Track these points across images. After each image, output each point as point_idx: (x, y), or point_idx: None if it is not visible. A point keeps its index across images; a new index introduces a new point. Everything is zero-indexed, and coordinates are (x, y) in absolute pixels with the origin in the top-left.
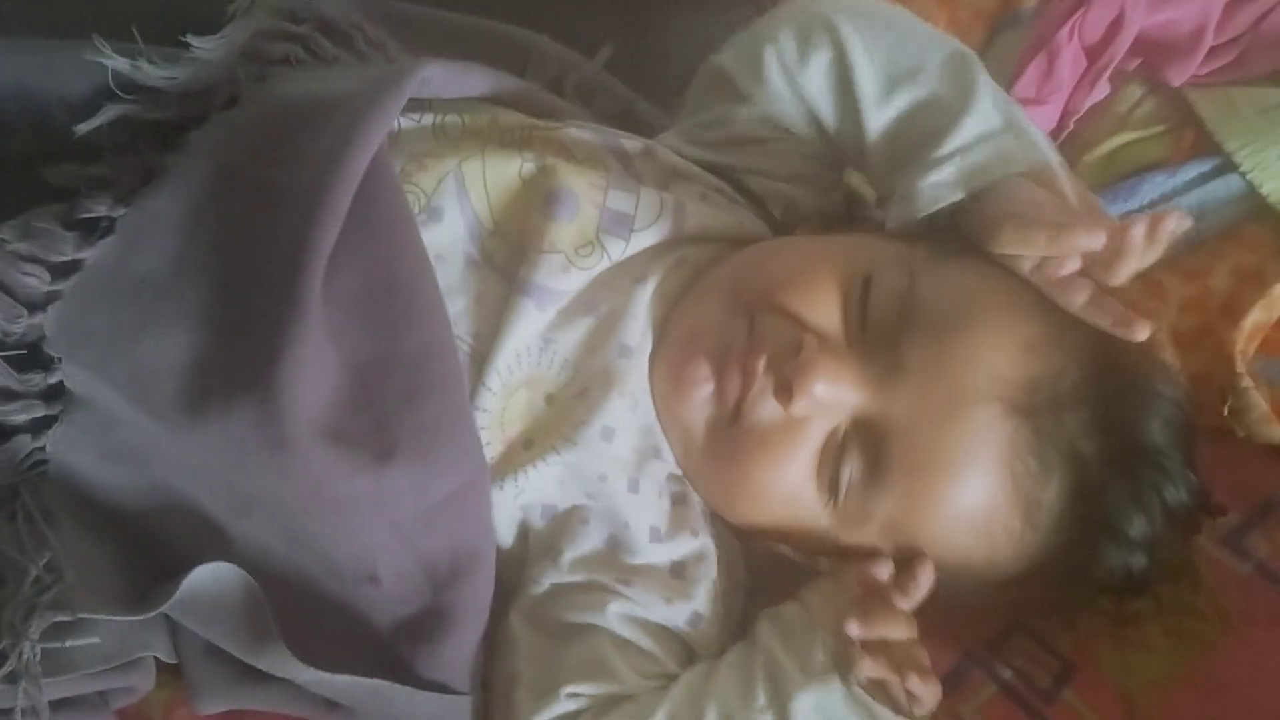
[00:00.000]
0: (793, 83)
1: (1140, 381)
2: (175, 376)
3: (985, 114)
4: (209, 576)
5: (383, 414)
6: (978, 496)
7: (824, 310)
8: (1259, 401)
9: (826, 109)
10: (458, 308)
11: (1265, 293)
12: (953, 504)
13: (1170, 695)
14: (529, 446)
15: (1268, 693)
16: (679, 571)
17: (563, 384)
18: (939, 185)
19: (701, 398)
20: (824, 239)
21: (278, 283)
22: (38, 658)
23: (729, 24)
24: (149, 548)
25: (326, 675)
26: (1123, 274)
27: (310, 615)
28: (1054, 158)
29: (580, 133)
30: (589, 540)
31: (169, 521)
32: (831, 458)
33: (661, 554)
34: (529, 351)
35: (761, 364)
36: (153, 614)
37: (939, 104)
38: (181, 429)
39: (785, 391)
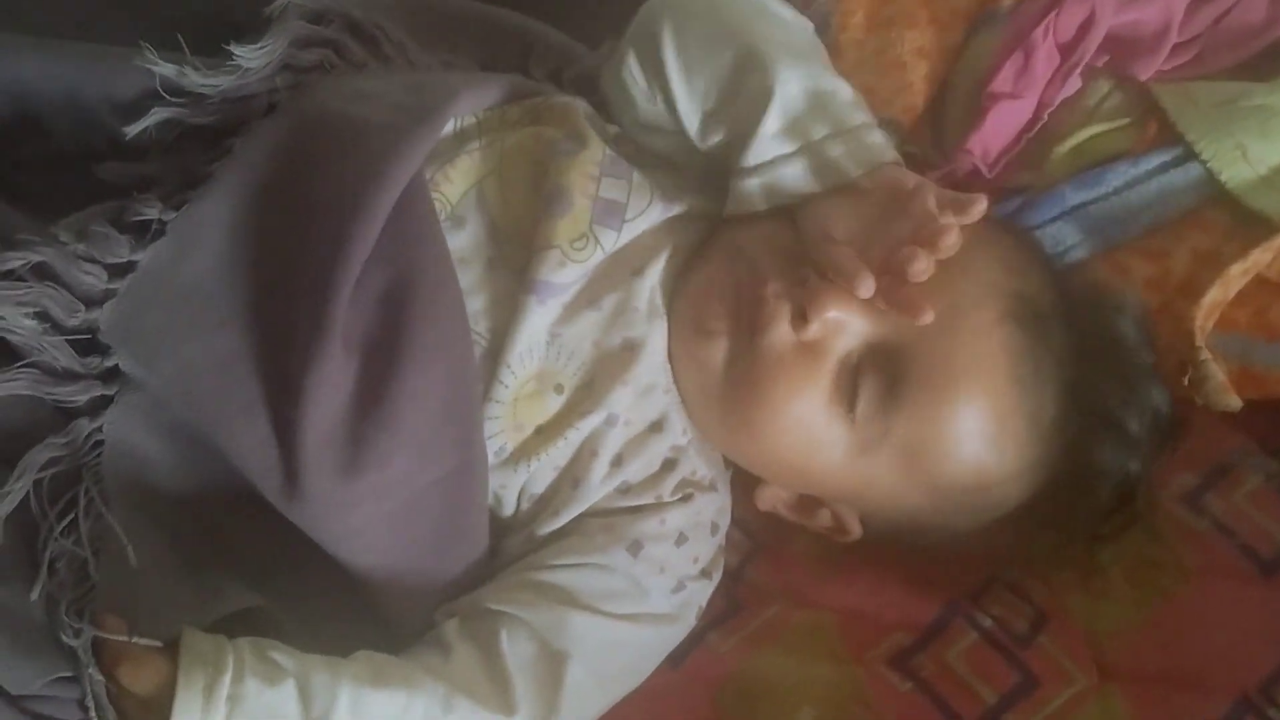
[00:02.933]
0: (653, 102)
1: (1104, 299)
2: (216, 377)
3: (773, 139)
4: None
5: (393, 411)
6: (986, 403)
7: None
8: (1216, 372)
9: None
10: (476, 307)
11: (1222, 272)
12: (964, 412)
13: (1134, 640)
14: (540, 433)
15: (1221, 637)
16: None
17: (570, 375)
18: (747, 194)
19: (719, 334)
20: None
21: (311, 297)
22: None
23: None
24: (199, 529)
25: None
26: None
27: (314, 609)
28: (850, 169)
29: (580, 104)
30: (570, 511)
31: (212, 504)
32: (848, 378)
33: (623, 502)
34: (538, 346)
35: (771, 289)
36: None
37: (741, 121)
38: (213, 430)
39: (800, 316)
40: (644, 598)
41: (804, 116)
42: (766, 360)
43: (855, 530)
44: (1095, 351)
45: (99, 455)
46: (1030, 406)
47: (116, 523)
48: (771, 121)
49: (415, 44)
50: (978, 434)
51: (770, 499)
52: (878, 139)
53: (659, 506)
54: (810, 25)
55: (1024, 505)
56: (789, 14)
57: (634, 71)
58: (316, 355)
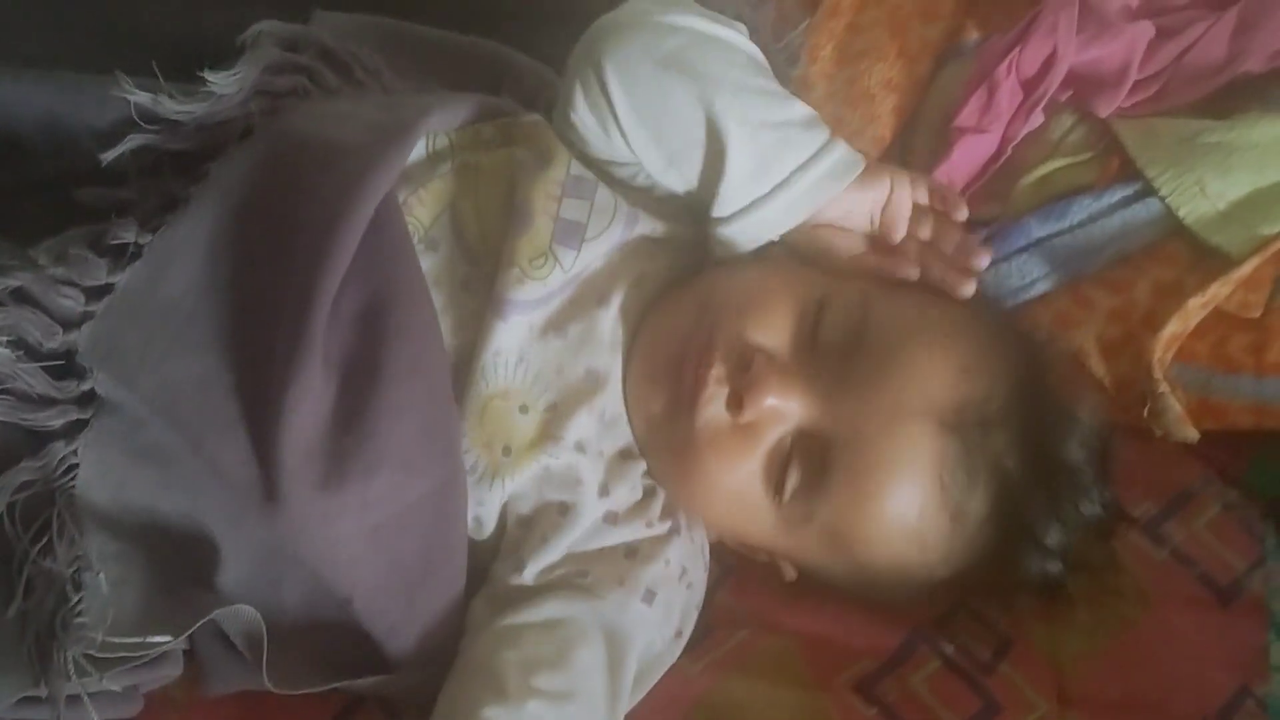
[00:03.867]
0: (608, 141)
1: (1059, 405)
2: (196, 395)
3: (742, 185)
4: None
5: (374, 426)
6: (911, 503)
7: (778, 330)
8: (1174, 405)
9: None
10: (448, 325)
11: (1181, 306)
12: (888, 508)
13: (1096, 667)
14: (508, 453)
15: (1181, 664)
16: (631, 553)
17: (536, 397)
18: (728, 242)
19: (663, 392)
20: (788, 263)
21: (290, 313)
22: (72, 665)
23: None
24: (175, 547)
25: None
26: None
27: (291, 634)
28: (829, 190)
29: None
30: (559, 540)
31: (185, 524)
32: (778, 463)
33: (615, 536)
34: (505, 365)
35: (713, 374)
36: (171, 643)
37: (706, 170)
38: (194, 445)
39: (736, 402)
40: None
41: (769, 154)
42: (701, 436)
43: (790, 574)
44: (1032, 463)
45: (73, 478)
46: (955, 508)
47: (91, 544)
48: (736, 167)
49: (389, 71)
50: (899, 530)
51: (714, 532)
52: (842, 152)
53: (655, 543)
54: (746, 37)
55: (954, 577)
56: (726, 33)
57: (583, 115)
58: (296, 370)
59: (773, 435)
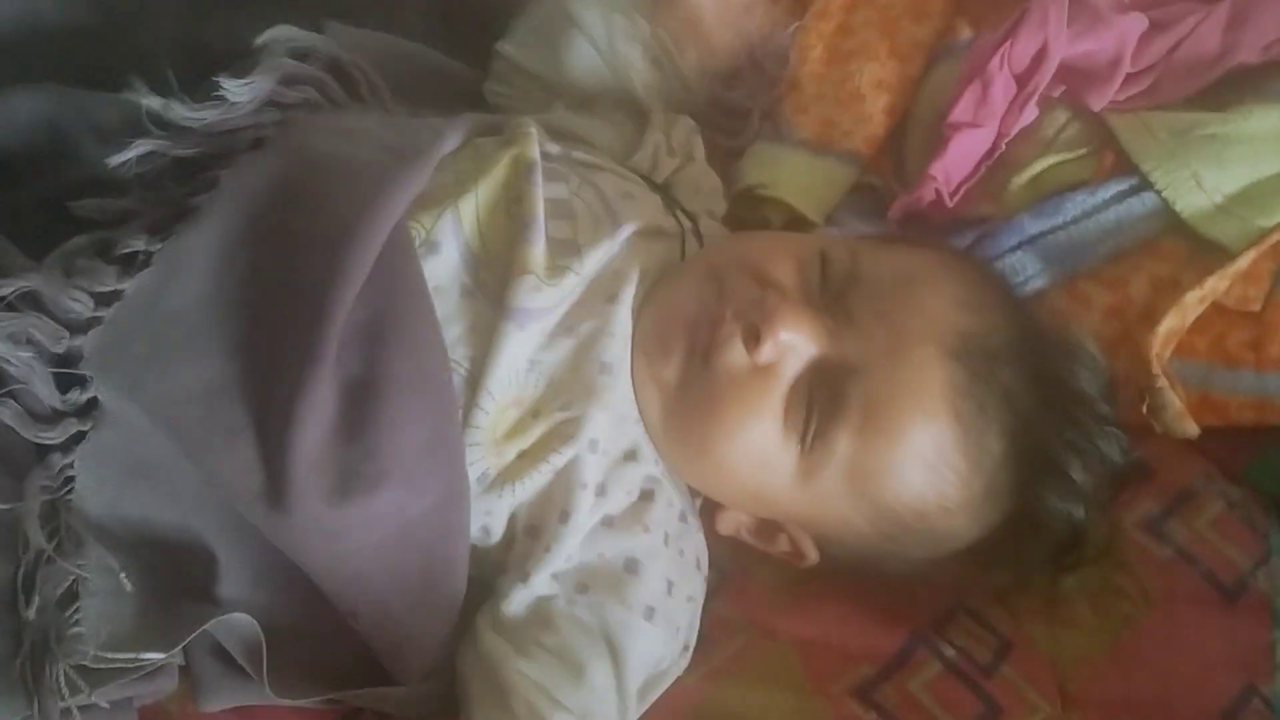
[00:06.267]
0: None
1: (1062, 339)
2: (201, 405)
3: None
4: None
5: (376, 441)
6: (926, 432)
7: (784, 273)
8: (1173, 400)
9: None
10: (454, 335)
11: (1178, 301)
12: (903, 438)
13: (1099, 668)
14: (521, 458)
15: (1185, 664)
16: (631, 567)
17: (549, 401)
18: None
19: (676, 354)
20: (782, 232)
21: (304, 325)
22: (64, 680)
23: None
24: (171, 560)
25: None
26: None
27: (290, 645)
28: None
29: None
30: (563, 546)
31: (184, 538)
32: (796, 401)
33: (613, 544)
34: (517, 373)
35: (729, 313)
36: (166, 656)
37: None
38: (197, 456)
39: (753, 338)
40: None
41: None
42: (720, 382)
43: (812, 555)
44: (1046, 396)
45: (70, 489)
46: (971, 444)
47: (89, 556)
48: None
49: (389, 90)
50: (917, 463)
51: (731, 523)
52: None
53: (651, 554)
54: None
55: (977, 540)
56: None
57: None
58: (307, 382)
59: (790, 372)
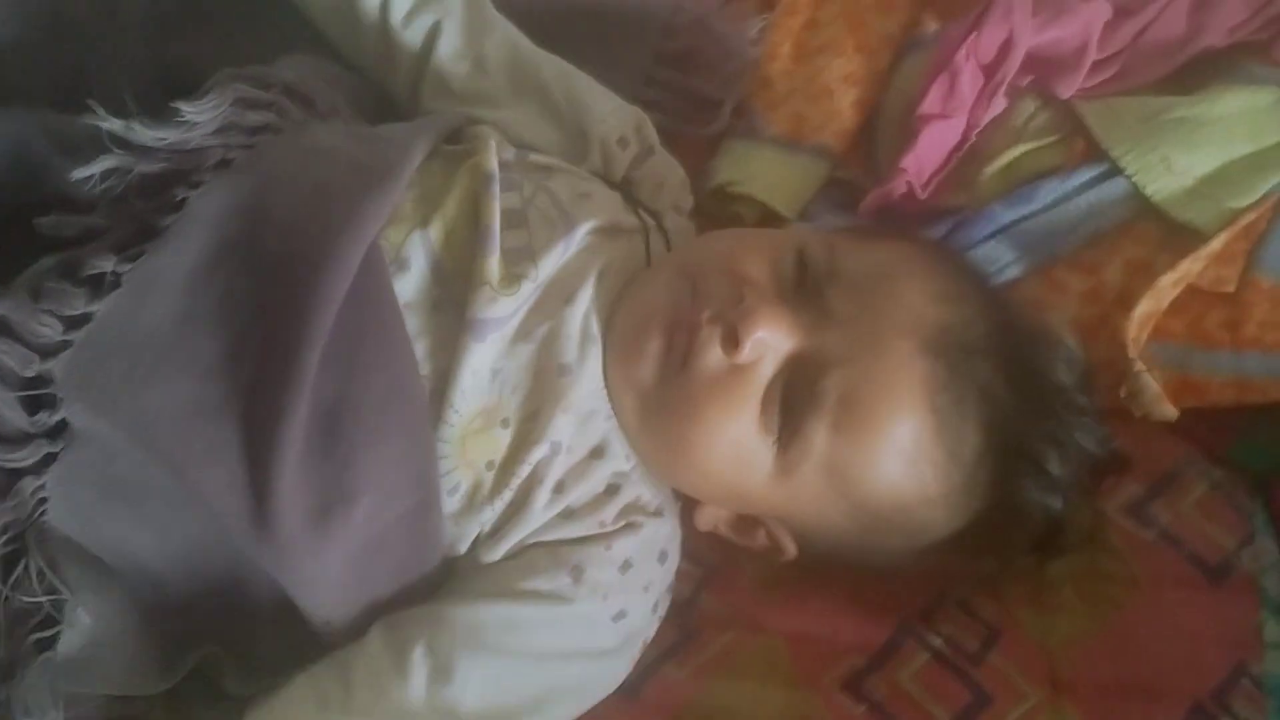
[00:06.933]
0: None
1: (1038, 331)
2: (177, 423)
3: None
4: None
5: (352, 455)
6: (904, 427)
7: (759, 271)
8: (1150, 383)
9: None
10: (422, 350)
11: (1153, 284)
12: (881, 432)
13: (1087, 652)
14: (491, 468)
15: (1174, 646)
16: (580, 567)
17: (514, 408)
18: None
19: (653, 356)
20: (756, 229)
21: (280, 351)
22: (27, 704)
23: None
24: (148, 579)
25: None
26: None
27: (259, 643)
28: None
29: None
30: (516, 534)
31: (161, 557)
32: (773, 398)
33: (569, 531)
34: (481, 383)
35: (705, 315)
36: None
37: None
38: (176, 473)
39: (731, 340)
40: (589, 629)
41: None
42: (699, 384)
43: (790, 550)
44: (1023, 388)
45: (44, 513)
46: (949, 437)
47: (68, 576)
48: None
49: (347, 109)
50: (894, 458)
51: (709, 519)
52: None
53: (604, 536)
54: None
55: (957, 532)
56: None
57: None
58: (290, 405)
59: (768, 370)
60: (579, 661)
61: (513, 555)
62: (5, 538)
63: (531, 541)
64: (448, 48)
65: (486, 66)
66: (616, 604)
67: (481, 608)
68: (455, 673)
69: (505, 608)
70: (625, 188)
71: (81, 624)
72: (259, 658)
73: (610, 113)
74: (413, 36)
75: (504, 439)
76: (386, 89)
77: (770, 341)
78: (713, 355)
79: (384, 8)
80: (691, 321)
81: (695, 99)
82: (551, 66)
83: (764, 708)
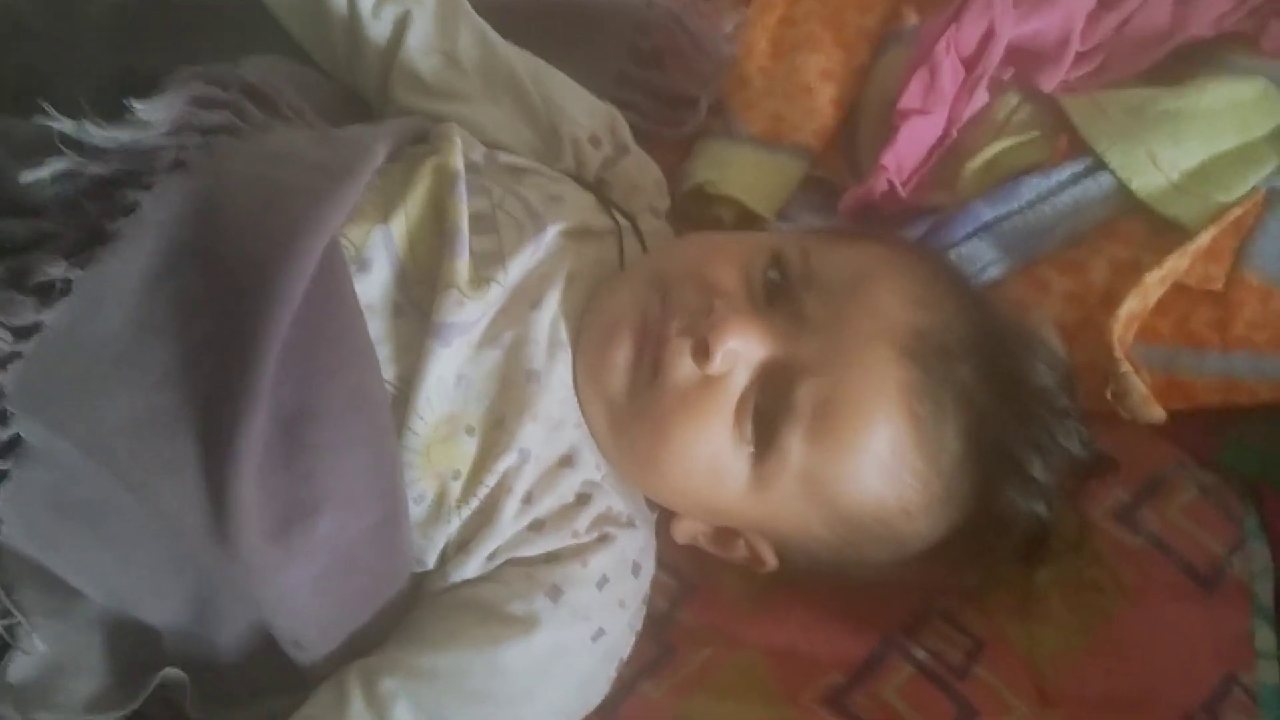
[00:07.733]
0: None
1: (1018, 332)
2: (134, 438)
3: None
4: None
5: (313, 465)
6: (882, 435)
7: (731, 279)
8: (1137, 385)
9: None
10: (384, 355)
11: (1138, 282)
12: (859, 441)
13: (1075, 664)
14: (458, 477)
15: (1164, 656)
16: (552, 560)
17: (480, 416)
18: None
19: (623, 367)
20: (727, 233)
21: (234, 357)
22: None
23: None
24: (117, 600)
25: None
26: None
27: (233, 673)
28: None
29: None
30: (485, 548)
31: (119, 578)
32: (748, 410)
33: (540, 546)
34: (446, 389)
35: (674, 327)
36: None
37: None
38: (135, 488)
39: (702, 351)
40: (569, 654)
41: None
42: (670, 396)
43: (770, 562)
44: (1004, 392)
45: None
46: (929, 444)
47: (21, 604)
48: None
49: (311, 110)
50: (873, 467)
51: (687, 531)
52: None
53: (579, 550)
54: None
55: (940, 541)
56: None
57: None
58: (246, 413)
59: (741, 381)
60: (560, 688)
61: (487, 575)
62: None
63: (504, 558)
64: (417, 39)
65: (459, 61)
66: (596, 623)
67: (463, 655)
68: None
69: (487, 655)
70: (599, 188)
71: (37, 651)
72: (224, 683)
73: (583, 111)
74: (381, 26)
75: (470, 447)
76: (356, 86)
77: (742, 351)
78: (683, 367)
79: None
80: (661, 332)
81: (671, 98)
82: (524, 63)
83: None
